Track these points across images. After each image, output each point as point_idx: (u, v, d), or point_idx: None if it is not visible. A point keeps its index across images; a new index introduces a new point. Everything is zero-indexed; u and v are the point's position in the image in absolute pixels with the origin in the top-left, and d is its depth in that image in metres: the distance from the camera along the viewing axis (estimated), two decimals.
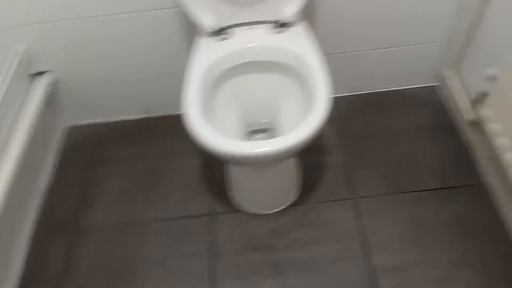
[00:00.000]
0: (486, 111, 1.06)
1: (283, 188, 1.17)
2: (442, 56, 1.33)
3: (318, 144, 1.32)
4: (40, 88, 1.20)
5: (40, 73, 1.23)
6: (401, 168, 1.23)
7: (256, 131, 1.22)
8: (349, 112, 1.40)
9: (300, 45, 0.99)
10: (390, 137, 1.31)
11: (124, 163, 1.32)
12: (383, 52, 1.31)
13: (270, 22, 1.02)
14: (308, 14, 1.12)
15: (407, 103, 1.41)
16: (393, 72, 1.39)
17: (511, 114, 0.95)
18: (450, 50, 1.29)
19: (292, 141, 0.79)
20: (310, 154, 1.28)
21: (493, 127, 1.04)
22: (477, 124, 1.14)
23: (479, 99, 1.10)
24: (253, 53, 1.01)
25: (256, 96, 1.12)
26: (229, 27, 1.03)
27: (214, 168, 1.27)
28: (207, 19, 1.00)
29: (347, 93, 1.44)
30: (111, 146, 1.37)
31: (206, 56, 0.99)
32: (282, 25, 1.01)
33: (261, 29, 1.03)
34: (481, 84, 1.07)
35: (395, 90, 1.45)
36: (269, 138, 0.80)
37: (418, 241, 1.08)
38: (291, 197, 1.19)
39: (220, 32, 1.02)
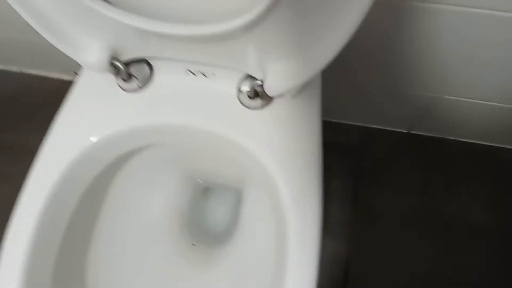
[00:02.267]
0: None
1: None
2: None
3: None
4: None
5: None
6: None
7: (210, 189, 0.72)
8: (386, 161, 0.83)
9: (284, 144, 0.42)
10: (431, 237, 0.78)
11: None
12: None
13: (243, 74, 0.43)
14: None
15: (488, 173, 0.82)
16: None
17: None
18: None
19: None
20: None
21: None
22: None
23: None
24: (195, 139, 0.46)
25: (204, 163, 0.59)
26: (150, 59, 0.44)
27: None
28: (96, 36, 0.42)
29: (389, 127, 0.85)
30: None
31: (82, 123, 0.44)
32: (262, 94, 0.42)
33: (223, 82, 0.44)
34: None
35: (479, 144, 0.84)
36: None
37: None
38: None
39: (122, 67, 0.44)
